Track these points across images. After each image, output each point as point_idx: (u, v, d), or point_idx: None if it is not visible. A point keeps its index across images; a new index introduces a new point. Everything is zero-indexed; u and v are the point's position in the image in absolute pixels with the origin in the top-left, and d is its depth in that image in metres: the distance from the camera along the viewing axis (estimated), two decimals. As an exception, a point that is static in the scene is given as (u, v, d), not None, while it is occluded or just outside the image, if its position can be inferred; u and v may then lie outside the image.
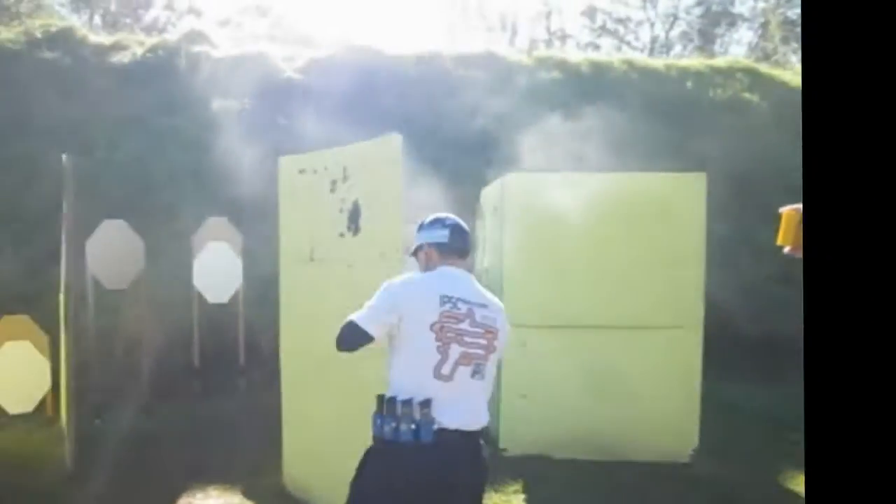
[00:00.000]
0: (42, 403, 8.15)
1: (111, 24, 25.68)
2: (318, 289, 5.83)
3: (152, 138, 12.25)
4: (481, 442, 3.60)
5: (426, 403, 3.37)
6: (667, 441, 7.01)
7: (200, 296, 8.99)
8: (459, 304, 3.51)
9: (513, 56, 15.97)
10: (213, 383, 9.08)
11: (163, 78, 13.66)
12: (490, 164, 10.50)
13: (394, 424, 3.39)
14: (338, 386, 5.68)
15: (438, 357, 3.43)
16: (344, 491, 5.63)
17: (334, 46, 15.96)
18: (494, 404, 7.21)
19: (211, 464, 6.87)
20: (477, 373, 3.53)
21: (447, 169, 9.94)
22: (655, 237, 7.02)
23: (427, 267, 3.76)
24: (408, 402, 3.38)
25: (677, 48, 27.66)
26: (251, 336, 9.36)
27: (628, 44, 28.56)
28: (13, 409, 7.97)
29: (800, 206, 2.48)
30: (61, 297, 7.52)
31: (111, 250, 8.58)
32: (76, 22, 20.05)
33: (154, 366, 8.93)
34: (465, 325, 3.49)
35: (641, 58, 19.87)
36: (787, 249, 2.83)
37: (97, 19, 26.65)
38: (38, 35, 14.30)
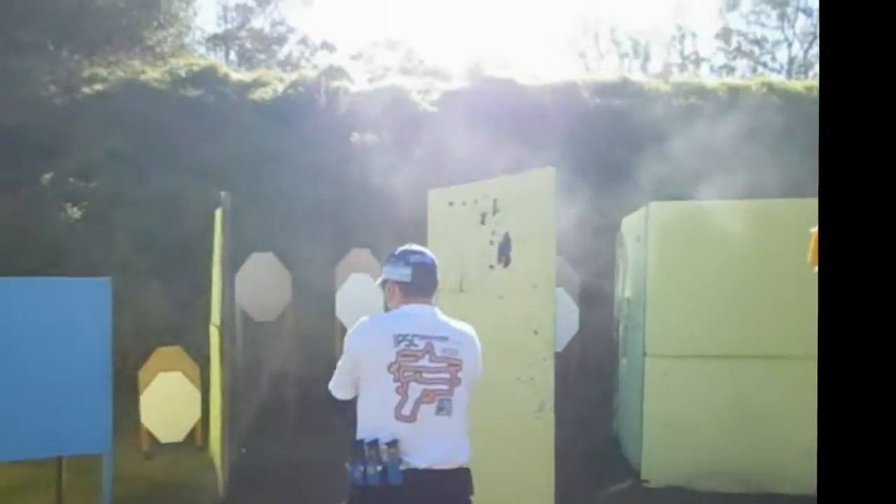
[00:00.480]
0: (192, 433, 8.36)
1: (247, 60, 26.50)
2: (467, 320, 5.80)
3: (294, 173, 12.49)
4: (465, 480, 3.52)
5: (393, 444, 3.30)
6: (811, 473, 6.71)
7: (343, 327, 9.06)
8: (416, 341, 3.43)
9: (649, 83, 15.76)
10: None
11: (303, 113, 13.99)
12: (631, 191, 10.34)
13: (362, 468, 3.31)
14: (480, 412, 5.64)
15: (398, 398, 3.36)
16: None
17: (467, 78, 16.09)
18: (637, 435, 7.12)
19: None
20: (442, 409, 3.43)
21: (586, 197, 9.80)
22: (798, 264, 6.77)
23: (391, 303, 3.71)
24: (373, 444, 3.31)
25: (817, 68, 26.94)
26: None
27: (764, 65, 27.93)
28: (165, 437, 8.19)
29: None
30: (212, 329, 7.70)
31: (259, 283, 8.74)
32: (216, 60, 20.67)
33: (299, 397, 9.04)
34: (424, 362, 3.41)
35: (779, 80, 19.41)
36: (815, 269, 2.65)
37: (233, 56, 27.51)
38: (183, 74, 14.87)
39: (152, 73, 14.78)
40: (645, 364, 7.07)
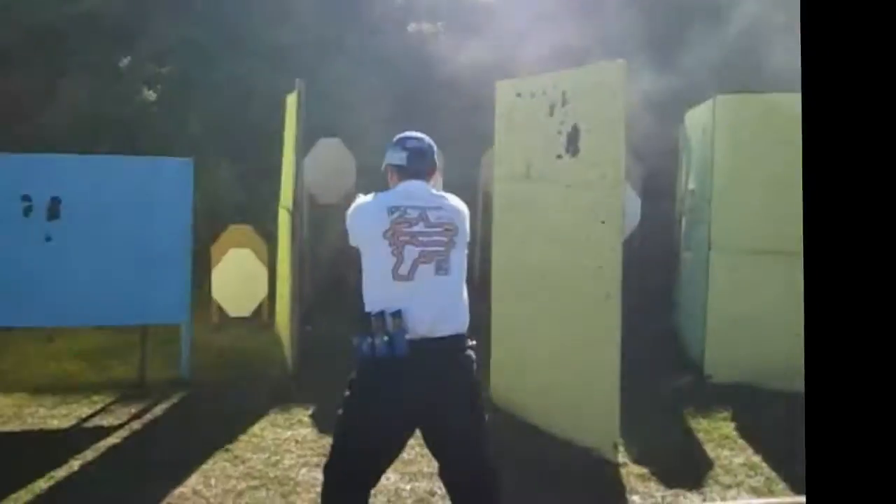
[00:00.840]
0: (258, 309, 8.72)
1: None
2: (533, 207, 5.98)
3: (352, 61, 12.57)
4: (464, 344, 3.59)
5: (397, 314, 3.38)
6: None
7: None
8: (409, 211, 3.54)
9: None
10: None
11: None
12: (694, 82, 10.25)
13: (370, 340, 3.39)
14: (546, 300, 5.86)
15: (394, 259, 3.46)
16: (545, 401, 5.89)
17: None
18: (700, 329, 7.24)
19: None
20: (440, 269, 3.53)
21: (649, 89, 9.76)
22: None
23: (391, 185, 3.82)
24: (379, 315, 3.39)
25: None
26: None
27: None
28: (234, 311, 8.55)
29: None
30: (281, 210, 7.97)
31: (326, 167, 8.95)
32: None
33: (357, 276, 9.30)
34: (418, 227, 3.53)
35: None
36: None
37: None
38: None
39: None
40: (710, 258, 7.11)
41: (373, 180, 9.54)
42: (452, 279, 3.57)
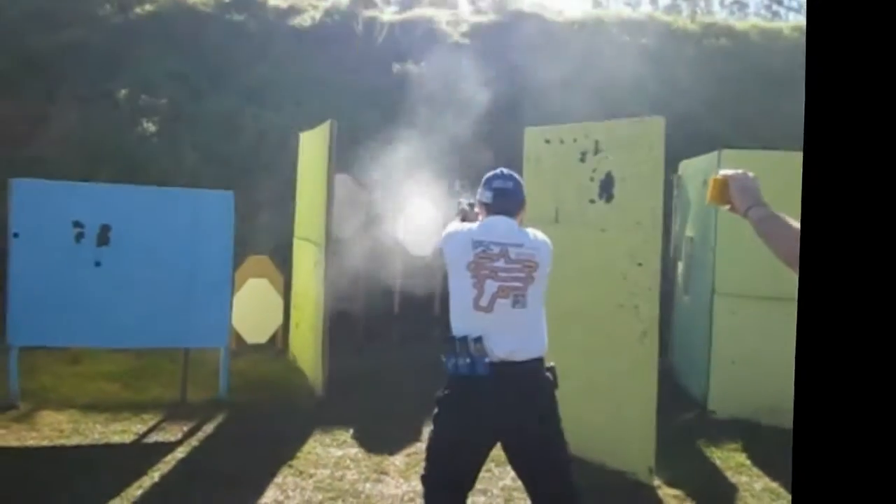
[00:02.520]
0: (273, 337, 9.05)
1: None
2: (564, 249, 6.44)
3: (334, 97, 12.96)
4: (542, 370, 3.86)
5: (478, 340, 3.65)
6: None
7: (404, 249, 9.69)
8: (492, 247, 3.78)
9: (677, 22, 16.12)
10: (410, 331, 9.86)
11: (340, 40, 14.40)
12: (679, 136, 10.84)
13: (454, 360, 3.69)
14: (579, 337, 6.30)
15: (475, 292, 3.73)
16: (577, 429, 6.32)
17: (494, 11, 16.44)
18: (702, 369, 7.69)
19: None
20: (517, 302, 3.76)
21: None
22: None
23: (481, 218, 4.05)
24: (462, 339, 3.69)
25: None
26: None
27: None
28: (250, 338, 8.86)
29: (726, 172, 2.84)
30: (299, 242, 8.33)
31: (339, 203, 9.31)
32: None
33: (365, 311, 9.70)
34: (499, 263, 3.77)
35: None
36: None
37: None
38: (226, -1, 15.21)
39: (196, -3, 15.10)
40: (714, 302, 7.52)
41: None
42: (529, 311, 3.81)
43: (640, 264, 5.84)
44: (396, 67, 13.65)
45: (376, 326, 9.85)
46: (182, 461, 5.81)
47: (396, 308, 9.95)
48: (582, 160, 6.30)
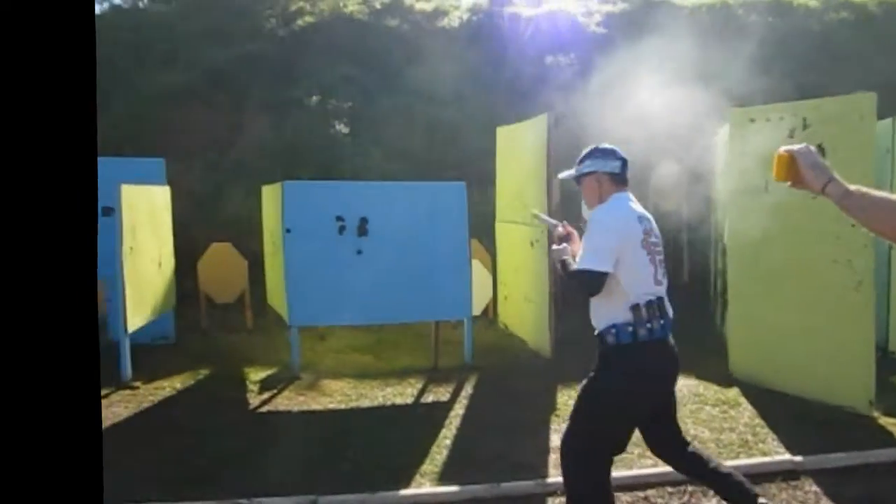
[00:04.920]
0: (485, 310, 9.82)
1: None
2: (773, 215, 7.00)
3: (491, 92, 13.61)
4: None
5: (661, 302, 3.81)
6: None
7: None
8: (645, 223, 3.87)
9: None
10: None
11: (490, 37, 15.09)
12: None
13: (649, 325, 3.72)
14: (793, 291, 6.91)
15: (652, 268, 3.81)
16: (794, 371, 6.96)
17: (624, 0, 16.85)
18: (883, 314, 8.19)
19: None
20: (666, 273, 3.94)
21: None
22: None
23: (599, 191, 4.00)
24: (651, 304, 3.75)
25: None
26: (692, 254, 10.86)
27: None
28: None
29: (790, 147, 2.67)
30: (502, 225, 9.04)
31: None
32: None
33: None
34: (653, 239, 3.89)
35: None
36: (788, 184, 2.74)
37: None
38: (377, 6, 16.00)
39: (353, 7, 15.88)
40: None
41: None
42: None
43: (853, 225, 6.36)
44: (549, 59, 14.21)
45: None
46: (466, 416, 6.56)
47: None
48: (790, 135, 6.84)
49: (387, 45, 14.93)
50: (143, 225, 7.89)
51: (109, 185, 8.49)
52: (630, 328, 3.71)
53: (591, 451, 3.80)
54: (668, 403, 4.02)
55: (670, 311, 3.88)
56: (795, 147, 2.63)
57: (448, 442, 5.93)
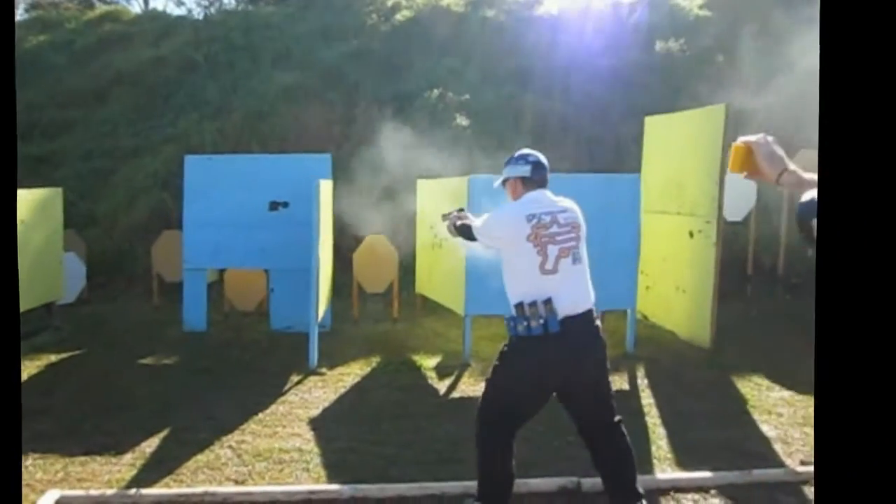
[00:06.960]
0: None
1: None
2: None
3: (598, 80, 13.63)
4: (594, 317, 4.11)
5: (548, 301, 3.94)
6: None
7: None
8: (543, 216, 4.08)
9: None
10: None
11: (590, 24, 15.03)
12: None
13: (525, 323, 3.96)
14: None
15: (540, 258, 4.01)
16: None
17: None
18: None
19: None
20: (576, 259, 4.10)
21: None
22: None
23: (515, 195, 4.33)
24: (533, 304, 3.95)
25: None
26: (758, 251, 10.81)
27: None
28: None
29: (747, 138, 2.66)
30: (649, 216, 9.06)
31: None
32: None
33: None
34: (553, 229, 4.07)
35: None
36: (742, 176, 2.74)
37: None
38: (473, -3, 16.07)
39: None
40: None
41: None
42: (584, 266, 4.19)
43: None
44: (660, 45, 14.19)
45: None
46: (659, 406, 6.56)
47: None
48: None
49: (484, 36, 14.99)
50: (326, 219, 8.07)
51: (281, 181, 8.76)
52: (513, 323, 4.05)
53: (496, 420, 4.12)
54: (576, 392, 4.14)
55: (572, 307, 4.01)
56: (752, 137, 2.63)
57: (661, 431, 5.95)
